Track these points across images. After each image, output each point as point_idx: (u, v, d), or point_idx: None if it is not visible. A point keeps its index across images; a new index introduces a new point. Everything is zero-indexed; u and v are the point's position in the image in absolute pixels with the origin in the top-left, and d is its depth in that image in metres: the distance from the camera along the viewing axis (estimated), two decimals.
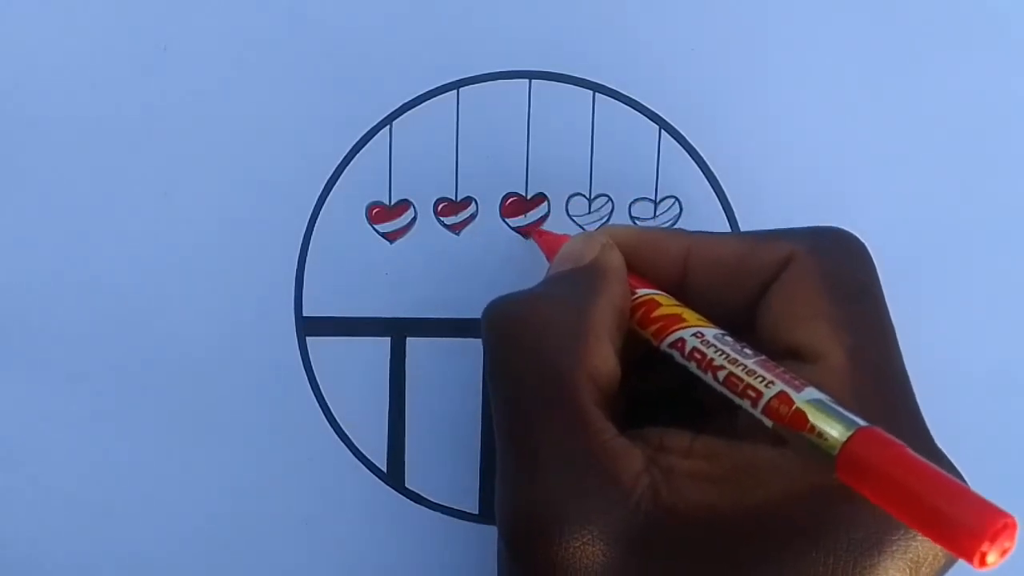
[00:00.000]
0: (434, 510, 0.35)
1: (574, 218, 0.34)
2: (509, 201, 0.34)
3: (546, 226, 0.34)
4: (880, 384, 0.26)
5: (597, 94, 0.34)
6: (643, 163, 0.34)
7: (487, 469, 0.35)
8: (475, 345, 0.34)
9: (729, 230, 0.34)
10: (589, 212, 0.34)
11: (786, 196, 0.34)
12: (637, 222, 0.34)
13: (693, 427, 0.27)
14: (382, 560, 0.35)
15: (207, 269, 0.34)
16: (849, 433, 0.23)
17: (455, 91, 0.33)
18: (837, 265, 0.27)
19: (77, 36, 0.33)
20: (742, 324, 0.28)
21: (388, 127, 0.34)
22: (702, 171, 0.34)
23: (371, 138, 0.34)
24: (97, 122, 0.33)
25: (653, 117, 0.34)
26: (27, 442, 0.34)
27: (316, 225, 0.34)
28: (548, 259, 0.32)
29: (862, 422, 0.23)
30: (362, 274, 0.34)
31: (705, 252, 0.29)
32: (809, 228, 0.29)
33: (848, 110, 0.34)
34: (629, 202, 0.34)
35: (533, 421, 0.26)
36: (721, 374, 0.26)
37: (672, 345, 0.28)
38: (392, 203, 0.34)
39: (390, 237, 0.34)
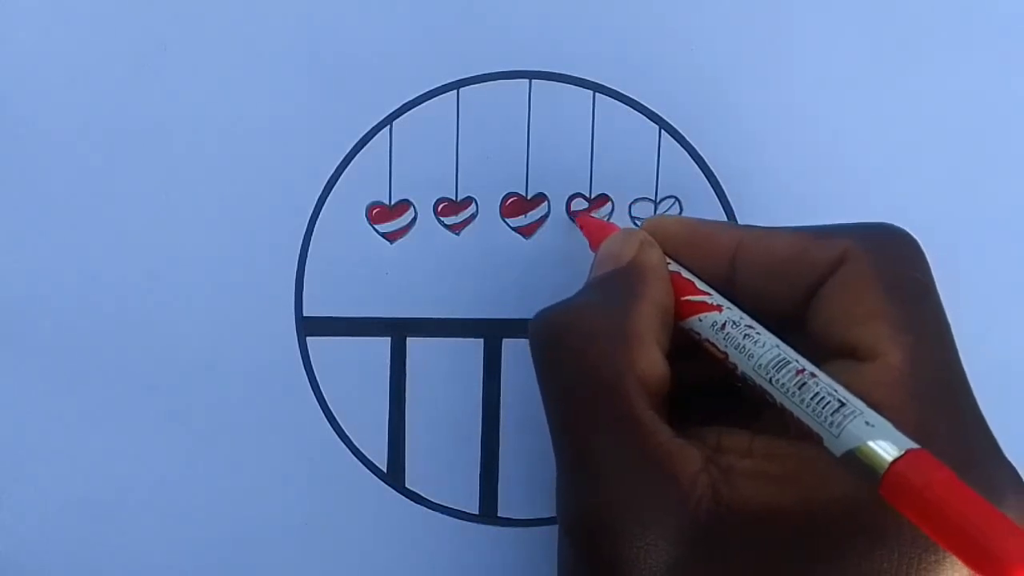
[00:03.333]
0: (434, 510, 0.35)
1: (575, 218, 0.34)
2: (509, 201, 0.34)
3: (546, 226, 0.34)
4: (941, 387, 0.26)
5: (597, 94, 0.34)
6: (643, 163, 0.34)
7: (487, 469, 0.35)
8: (475, 345, 0.34)
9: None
10: (590, 212, 0.34)
11: (786, 196, 0.34)
12: (637, 222, 0.34)
13: (742, 419, 0.27)
14: (382, 560, 0.35)
15: (207, 269, 0.34)
16: (898, 454, 0.23)
17: (455, 91, 0.33)
18: (895, 264, 0.27)
19: (77, 35, 0.33)
20: (790, 321, 0.28)
21: (388, 127, 0.34)
22: (702, 171, 0.34)
23: (371, 138, 0.34)
24: (97, 122, 0.33)
25: (653, 117, 0.34)
26: (27, 442, 0.34)
27: (316, 225, 0.34)
28: (591, 246, 0.32)
29: (911, 443, 0.23)
30: (362, 274, 0.34)
31: (756, 247, 0.29)
32: (863, 224, 0.28)
33: (849, 110, 0.34)
34: (629, 202, 0.34)
35: (587, 430, 0.26)
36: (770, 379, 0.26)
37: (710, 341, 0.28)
38: (392, 203, 0.34)
39: (390, 237, 0.34)
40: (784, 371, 0.26)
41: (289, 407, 0.34)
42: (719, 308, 0.28)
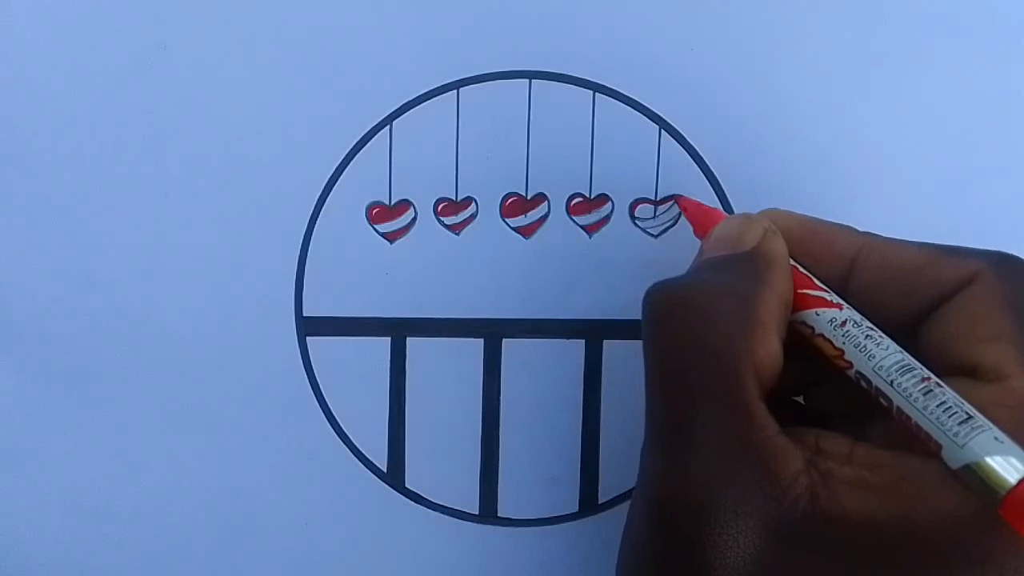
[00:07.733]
0: (434, 510, 0.35)
1: (574, 218, 0.34)
2: (509, 201, 0.34)
3: (546, 226, 0.34)
4: None
5: (597, 94, 0.34)
6: (643, 163, 0.34)
7: (487, 469, 0.35)
8: (475, 345, 0.34)
9: None
10: (589, 212, 0.34)
11: (786, 196, 0.34)
12: (637, 222, 0.34)
13: (832, 425, 0.26)
14: (382, 560, 0.35)
15: (207, 269, 0.34)
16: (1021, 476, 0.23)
17: (455, 91, 0.33)
18: None
19: (77, 35, 0.33)
20: (899, 335, 0.27)
21: (388, 127, 0.34)
22: (702, 171, 0.34)
23: (371, 138, 0.34)
24: (97, 121, 0.33)
25: (653, 117, 0.34)
26: (27, 442, 0.34)
27: (316, 225, 0.34)
28: (695, 230, 0.32)
29: None
30: (362, 274, 0.34)
31: (880, 255, 0.28)
32: (994, 251, 0.28)
33: (849, 110, 0.34)
34: (629, 202, 0.34)
35: (696, 408, 0.26)
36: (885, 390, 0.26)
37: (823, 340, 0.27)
38: (392, 203, 0.34)
39: (390, 237, 0.34)
40: (908, 376, 0.26)
41: (289, 407, 0.34)
42: (839, 306, 0.28)
